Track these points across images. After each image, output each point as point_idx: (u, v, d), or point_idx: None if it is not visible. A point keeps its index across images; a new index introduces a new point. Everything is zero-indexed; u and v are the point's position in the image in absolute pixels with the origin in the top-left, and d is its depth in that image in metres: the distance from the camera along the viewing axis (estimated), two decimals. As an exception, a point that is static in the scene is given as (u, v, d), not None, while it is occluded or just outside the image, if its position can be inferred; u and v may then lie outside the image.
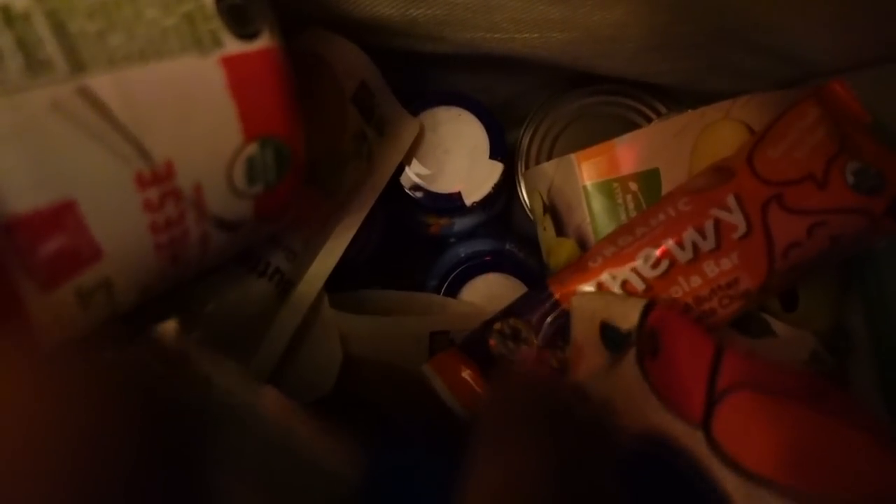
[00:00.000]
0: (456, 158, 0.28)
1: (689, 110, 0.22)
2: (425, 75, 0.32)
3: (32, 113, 0.12)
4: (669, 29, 0.22)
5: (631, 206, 0.21)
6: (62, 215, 0.12)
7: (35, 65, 0.12)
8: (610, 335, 0.17)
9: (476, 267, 0.30)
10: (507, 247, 0.30)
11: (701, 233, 0.19)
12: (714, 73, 0.25)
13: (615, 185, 0.21)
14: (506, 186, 0.30)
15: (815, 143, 0.19)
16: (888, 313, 0.24)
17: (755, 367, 0.16)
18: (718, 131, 0.21)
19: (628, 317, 0.17)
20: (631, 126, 0.32)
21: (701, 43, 0.23)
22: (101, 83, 0.13)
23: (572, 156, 0.22)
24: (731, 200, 0.19)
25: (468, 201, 0.27)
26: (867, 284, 0.24)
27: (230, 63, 0.14)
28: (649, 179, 0.21)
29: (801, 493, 0.12)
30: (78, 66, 0.12)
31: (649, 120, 0.29)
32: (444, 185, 0.27)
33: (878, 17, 0.20)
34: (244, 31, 0.15)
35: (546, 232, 0.25)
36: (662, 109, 0.32)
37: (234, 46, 0.15)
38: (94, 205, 0.13)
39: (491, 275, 0.29)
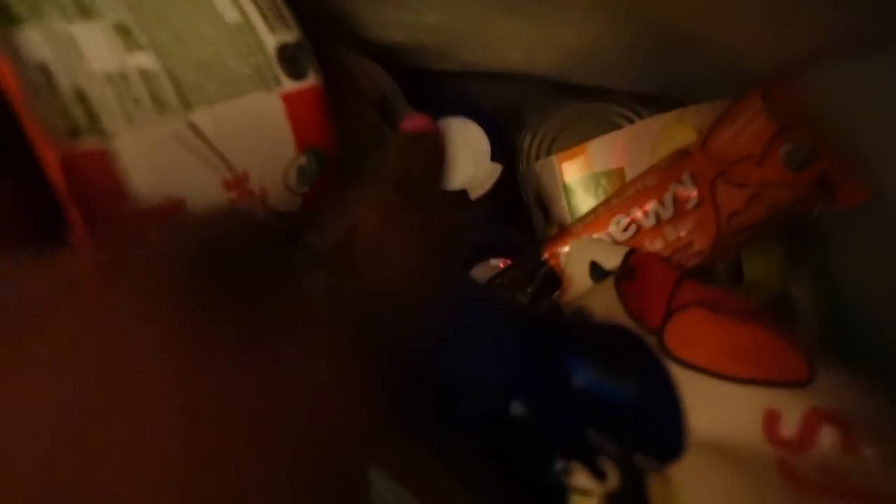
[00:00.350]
0: (463, 161, 0.33)
1: (651, 117, 0.27)
2: (440, 85, 0.37)
3: (159, 140, 0.17)
4: (632, 49, 0.27)
5: (601, 198, 0.26)
6: (177, 209, 0.18)
7: (160, 107, 0.18)
8: (596, 271, 0.22)
9: (482, 251, 0.35)
10: (509, 234, 0.35)
11: (662, 203, 0.23)
12: (677, 83, 0.29)
13: (588, 181, 0.26)
14: (506, 183, 0.34)
15: (756, 130, 0.23)
16: (833, 288, 0.28)
17: (706, 291, 0.20)
18: (673, 134, 0.25)
19: (613, 259, 0.22)
20: (616, 129, 0.36)
21: (661, 60, 0.27)
22: (202, 118, 0.18)
23: (553, 157, 0.27)
24: (686, 177, 0.23)
25: (472, 196, 0.32)
26: (814, 261, 0.29)
27: (287, 97, 0.20)
28: (616, 176, 0.26)
29: (724, 375, 0.17)
30: (187, 106, 0.18)
31: (633, 123, 0.34)
32: (453, 184, 0.32)
33: (805, 35, 0.25)
34: (297, 73, 0.20)
35: (537, 220, 0.30)
36: (645, 114, 0.36)
37: (290, 85, 0.20)
38: (197, 202, 0.19)
39: (494, 260, 0.34)
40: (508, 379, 0.14)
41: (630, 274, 0.21)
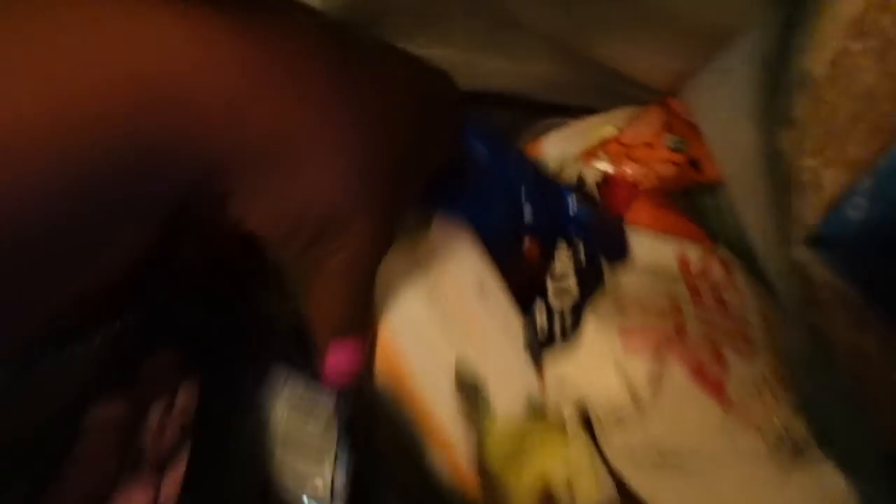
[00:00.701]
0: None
1: (586, 118, 0.38)
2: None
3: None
4: (575, 78, 0.38)
5: (550, 174, 0.37)
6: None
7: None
8: (579, 183, 0.33)
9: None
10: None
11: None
12: (612, 99, 0.40)
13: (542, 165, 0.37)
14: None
15: (652, 125, 0.34)
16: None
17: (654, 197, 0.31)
18: (599, 130, 0.36)
19: (592, 176, 0.33)
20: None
21: (599, 84, 0.39)
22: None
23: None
24: (602, 154, 0.34)
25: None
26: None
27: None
28: (560, 161, 0.37)
29: (655, 231, 0.28)
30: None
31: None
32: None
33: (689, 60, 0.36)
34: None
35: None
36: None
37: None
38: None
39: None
40: (524, 195, 0.25)
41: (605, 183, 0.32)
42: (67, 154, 0.13)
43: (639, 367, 0.22)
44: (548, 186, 0.28)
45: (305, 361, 0.25)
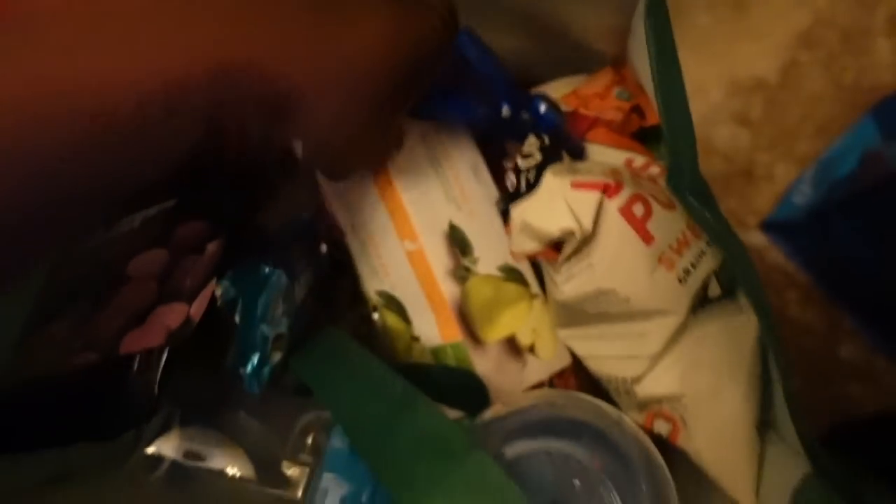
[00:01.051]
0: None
1: (550, 83, 0.44)
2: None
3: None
4: (541, 51, 0.45)
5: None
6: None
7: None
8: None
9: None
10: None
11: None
12: (570, 70, 0.47)
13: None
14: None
15: (604, 82, 0.41)
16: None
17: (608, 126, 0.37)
18: (561, 90, 0.43)
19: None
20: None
21: (560, 58, 0.45)
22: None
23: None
24: (562, 105, 0.40)
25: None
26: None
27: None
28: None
29: (610, 145, 0.33)
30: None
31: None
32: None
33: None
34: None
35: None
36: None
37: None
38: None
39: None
40: (502, 95, 0.31)
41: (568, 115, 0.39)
42: (170, 106, 0.20)
43: (584, 202, 0.28)
44: (521, 91, 0.34)
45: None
